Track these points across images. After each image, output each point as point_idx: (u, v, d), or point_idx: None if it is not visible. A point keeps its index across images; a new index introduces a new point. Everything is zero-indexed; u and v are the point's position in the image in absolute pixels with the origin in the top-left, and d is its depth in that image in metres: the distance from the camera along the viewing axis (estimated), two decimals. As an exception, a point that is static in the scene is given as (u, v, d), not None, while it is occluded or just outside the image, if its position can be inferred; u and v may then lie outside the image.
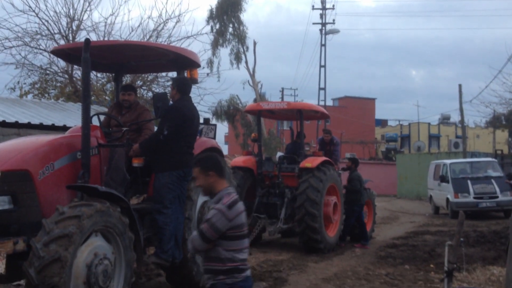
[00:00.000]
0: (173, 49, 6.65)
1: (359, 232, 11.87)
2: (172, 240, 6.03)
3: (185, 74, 6.78)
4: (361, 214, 11.85)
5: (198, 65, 6.93)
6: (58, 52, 6.57)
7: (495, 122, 39.76)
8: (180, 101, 6.31)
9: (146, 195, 6.36)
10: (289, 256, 10.33)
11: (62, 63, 17.54)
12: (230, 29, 29.34)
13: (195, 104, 16.82)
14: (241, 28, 29.19)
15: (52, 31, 16.93)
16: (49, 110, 12.72)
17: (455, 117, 52.36)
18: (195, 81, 6.93)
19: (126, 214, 5.22)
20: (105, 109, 11.34)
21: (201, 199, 6.69)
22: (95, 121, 6.45)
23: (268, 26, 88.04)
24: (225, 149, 53.28)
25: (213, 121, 30.17)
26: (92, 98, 16.99)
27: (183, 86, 6.42)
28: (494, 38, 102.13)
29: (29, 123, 10.61)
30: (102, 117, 6.77)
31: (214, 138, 7.28)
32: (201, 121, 7.09)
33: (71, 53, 6.30)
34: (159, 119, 6.31)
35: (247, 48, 29.61)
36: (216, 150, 7.03)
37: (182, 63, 6.75)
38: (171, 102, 6.30)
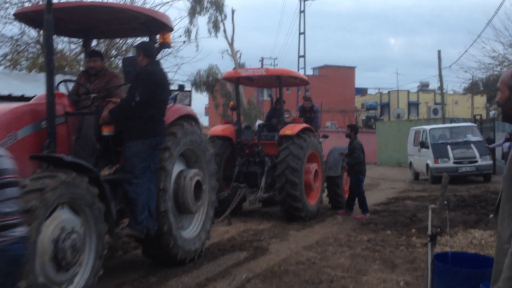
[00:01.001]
0: (144, 11, 6.29)
1: (352, 202, 11.56)
2: (146, 211, 5.80)
3: (158, 38, 6.45)
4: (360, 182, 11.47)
5: (171, 29, 6.59)
6: (21, 16, 6.16)
7: (473, 88, 39.94)
8: (150, 66, 6.02)
9: (118, 165, 6.08)
10: (270, 225, 10.21)
11: (33, 32, 16.97)
12: (207, -3, 28.68)
13: (173, 73, 16.39)
14: (218, -5, 28.55)
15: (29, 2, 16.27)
16: (20, 81, 12.28)
17: (434, 84, 52.58)
18: (167, 46, 6.60)
19: (95, 185, 4.97)
20: (77, 79, 10.91)
21: (177, 169, 6.45)
22: (63, 90, 6.13)
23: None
24: (205, 120, 52.96)
25: (193, 92, 29.76)
26: (66, 68, 16.49)
27: (149, 49, 6.12)
28: (473, 4, 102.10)
29: (23, 95, 10.18)
30: (71, 86, 6.45)
31: (190, 105, 7.01)
32: (176, 87, 6.80)
33: (35, 16, 5.91)
34: (128, 85, 6.00)
35: (225, 16, 29.07)
36: (192, 118, 6.77)
37: (154, 26, 6.41)
38: None
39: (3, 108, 5.08)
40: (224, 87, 28.00)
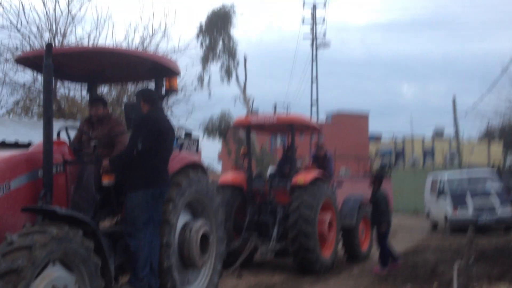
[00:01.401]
0: (149, 57, 6.10)
1: (380, 254, 10.82)
2: (147, 266, 5.40)
3: (164, 83, 6.21)
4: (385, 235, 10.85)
5: (177, 73, 6.37)
6: (23, 61, 5.97)
7: (489, 135, 39.44)
8: (152, 112, 5.75)
9: (119, 217, 5.73)
10: (283, 278, 9.73)
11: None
12: (220, 45, 28.86)
13: (184, 120, 16.16)
14: (231, 43, 28.72)
15: (34, 47, 16.35)
16: (28, 128, 12.13)
17: (448, 130, 52.15)
18: (174, 90, 6.36)
19: (91, 238, 4.60)
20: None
21: (182, 220, 6.08)
22: (65, 138, 5.85)
23: (259, 44, 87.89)
24: (218, 167, 52.64)
25: (205, 138, 29.58)
26: (77, 115, 16.40)
27: (149, 96, 5.88)
28: (484, 52, 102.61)
29: (3, 141, 9.98)
30: (73, 134, 6.19)
31: (197, 152, 6.70)
32: (182, 134, 6.52)
33: (37, 61, 5.70)
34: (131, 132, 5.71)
35: (238, 63, 29.14)
36: (198, 166, 6.44)
37: (160, 71, 6.19)
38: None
39: (-5, 156, 4.80)
40: (236, 133, 27.80)
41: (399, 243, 15.86)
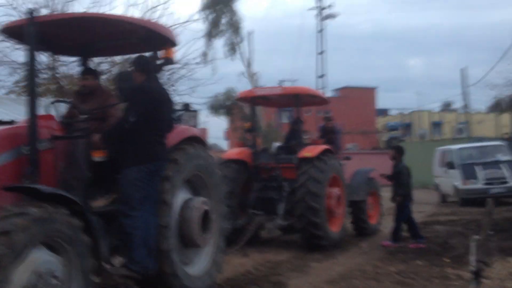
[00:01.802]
0: (143, 23, 5.69)
1: (410, 230, 10.45)
2: (144, 248, 5.07)
3: (160, 54, 5.84)
4: (410, 209, 10.46)
5: (174, 44, 5.98)
6: (8, 31, 5.59)
7: (498, 107, 38.87)
8: (148, 82, 5.38)
9: (115, 195, 5.40)
10: (290, 256, 9.43)
11: (45, 58, 16.59)
12: (224, 20, 28.35)
13: (186, 97, 15.72)
14: (235, 18, 28.20)
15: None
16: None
17: (456, 104, 51.53)
18: (171, 62, 5.98)
19: (80, 217, 4.28)
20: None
21: (181, 197, 5.74)
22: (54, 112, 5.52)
23: (264, 20, 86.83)
24: (225, 145, 52.41)
25: (210, 116, 29.25)
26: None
27: (145, 64, 5.48)
28: (493, 22, 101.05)
29: (12, 121, 9.66)
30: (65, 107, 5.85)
31: (196, 126, 6.35)
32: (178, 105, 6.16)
33: (23, 31, 5.34)
34: (124, 103, 5.36)
35: (242, 39, 28.67)
36: (198, 140, 6.09)
37: (156, 41, 5.79)
38: None
39: (-22, 133, 4.48)
40: (242, 110, 27.46)
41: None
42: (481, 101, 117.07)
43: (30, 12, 4.47)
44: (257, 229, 10.31)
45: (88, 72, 5.88)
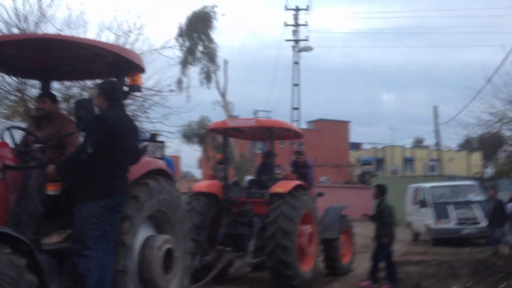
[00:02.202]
0: (111, 48, 5.35)
1: (388, 271, 10.05)
2: (98, 291, 4.65)
3: (127, 81, 5.51)
4: (391, 249, 10.09)
5: (142, 70, 5.66)
6: None
7: (469, 145, 39.33)
8: (109, 110, 5.01)
9: (70, 231, 4.96)
10: (258, 295, 9.05)
11: (13, 80, 16.08)
12: (200, 48, 28.19)
13: (158, 124, 15.27)
14: (211, 46, 28.06)
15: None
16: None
17: (429, 141, 52.07)
18: (138, 89, 5.66)
19: (27, 255, 3.84)
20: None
21: (141, 236, 5.31)
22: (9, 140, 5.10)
23: (241, 51, 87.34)
24: (198, 174, 51.81)
25: (183, 144, 28.80)
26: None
27: (111, 90, 5.11)
28: (465, 62, 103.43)
29: None
30: (21, 135, 5.44)
31: (162, 158, 5.96)
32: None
33: None
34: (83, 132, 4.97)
35: (218, 67, 28.48)
36: (162, 173, 5.71)
37: (123, 66, 5.48)
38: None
39: None
40: (215, 139, 27.13)
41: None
42: (452, 138, 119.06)
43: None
44: (226, 266, 9.89)
45: (46, 95, 5.50)
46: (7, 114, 17.47)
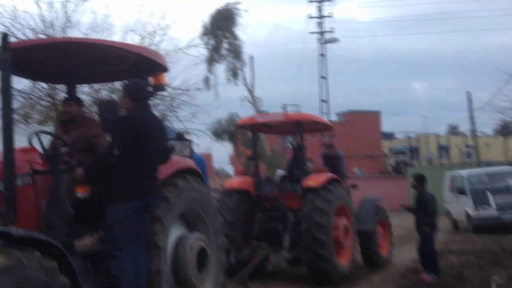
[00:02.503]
0: (134, 49, 5.32)
1: (429, 262, 9.62)
2: (132, 292, 4.62)
3: (151, 81, 5.47)
4: (434, 240, 9.79)
5: (166, 69, 5.62)
6: None
7: (505, 130, 38.42)
8: (134, 111, 4.98)
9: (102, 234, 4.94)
10: (296, 290, 8.96)
11: (46, 86, 16.30)
12: (225, 45, 28.18)
13: (187, 122, 15.28)
14: (236, 43, 28.01)
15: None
16: (22, 135, 11.40)
17: (463, 127, 51.07)
18: (162, 88, 5.62)
19: (59, 259, 3.83)
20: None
21: (173, 235, 5.26)
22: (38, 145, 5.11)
23: (267, 45, 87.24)
24: (230, 170, 51.95)
25: (214, 142, 28.84)
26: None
27: (136, 91, 5.07)
28: (495, 45, 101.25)
29: None
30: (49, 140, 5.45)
31: (190, 157, 5.90)
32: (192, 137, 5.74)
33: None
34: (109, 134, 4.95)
35: (244, 63, 28.44)
36: (193, 172, 5.65)
37: (146, 67, 5.43)
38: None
39: None
40: (245, 135, 27.08)
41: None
42: (487, 124, 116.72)
43: (4, 37, 4.09)
44: (262, 261, 9.84)
45: (71, 99, 5.50)
46: (40, 120, 17.84)
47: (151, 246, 4.87)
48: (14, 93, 16.16)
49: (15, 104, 16.88)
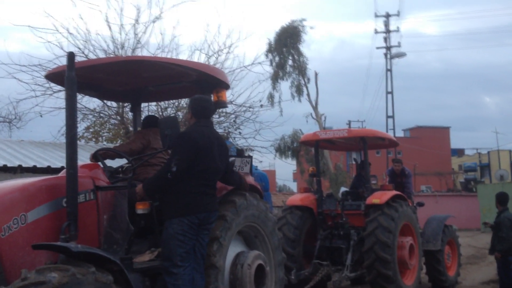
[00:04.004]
0: (196, 67, 5.39)
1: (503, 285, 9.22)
2: (188, 308, 4.61)
3: (212, 97, 5.52)
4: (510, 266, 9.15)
5: (227, 86, 5.65)
6: (52, 77, 5.43)
7: None
8: (193, 127, 5.00)
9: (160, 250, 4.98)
10: (359, 311, 8.73)
11: (114, 104, 16.85)
12: (290, 62, 28.22)
13: (250, 139, 15.28)
14: (301, 59, 27.98)
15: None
16: (89, 152, 11.84)
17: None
18: (223, 105, 5.64)
19: (117, 275, 3.88)
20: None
21: (232, 251, 5.24)
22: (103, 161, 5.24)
23: (332, 61, 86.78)
24: (293, 187, 51.77)
25: (277, 158, 28.81)
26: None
27: (199, 107, 5.08)
28: None
29: (48, 166, 9.62)
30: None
31: (251, 173, 5.88)
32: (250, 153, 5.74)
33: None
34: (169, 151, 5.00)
35: (308, 80, 28.32)
36: (254, 189, 5.63)
37: (207, 84, 5.50)
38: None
39: (13, 184, 4.23)
40: (309, 151, 26.90)
41: (489, 266, 14.36)
42: None
43: (70, 56, 4.23)
44: (324, 280, 9.66)
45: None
46: (109, 137, 18.42)
47: (208, 266, 4.86)
48: (86, 112, 16.93)
49: (87, 123, 17.64)
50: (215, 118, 16.12)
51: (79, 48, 15.80)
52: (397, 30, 34.75)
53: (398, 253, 9.10)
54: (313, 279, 9.08)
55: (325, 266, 9.34)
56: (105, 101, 15.96)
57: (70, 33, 15.27)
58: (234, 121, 16.62)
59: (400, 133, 49.41)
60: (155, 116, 6.14)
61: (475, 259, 16.08)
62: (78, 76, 4.62)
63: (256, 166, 12.93)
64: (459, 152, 56.86)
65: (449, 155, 51.66)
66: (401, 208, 9.35)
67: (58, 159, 10.53)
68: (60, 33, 15.25)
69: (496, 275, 12.27)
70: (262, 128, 16.39)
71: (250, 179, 5.67)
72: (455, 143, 55.93)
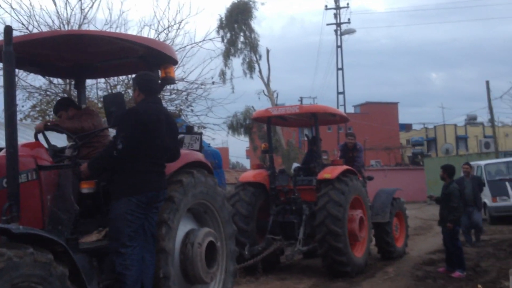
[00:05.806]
0: (143, 41, 5.23)
1: (455, 258, 9.34)
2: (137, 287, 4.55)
3: (160, 73, 5.39)
4: (457, 235, 9.49)
5: (175, 62, 5.52)
6: None
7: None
8: (140, 104, 4.85)
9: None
10: (311, 283, 8.89)
11: (61, 82, 16.33)
12: (242, 38, 28.05)
13: (202, 117, 15.13)
14: (252, 36, 27.86)
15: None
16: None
17: (482, 117, 50.30)
18: (171, 81, 5.53)
19: (63, 256, 3.77)
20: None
21: (182, 230, 5.17)
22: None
23: (282, 38, 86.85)
24: (247, 164, 51.86)
25: (229, 135, 28.76)
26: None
27: (145, 82, 4.93)
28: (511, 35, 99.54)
29: None
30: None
31: (200, 150, 5.81)
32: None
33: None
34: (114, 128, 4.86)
35: (260, 56, 28.26)
36: (202, 166, 5.57)
37: (155, 59, 5.36)
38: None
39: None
40: (261, 128, 26.96)
41: (436, 237, 14.86)
42: (507, 113, 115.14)
43: (7, 30, 4.02)
44: (277, 254, 9.77)
45: (63, 105, 5.51)
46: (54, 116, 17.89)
47: (158, 250, 4.76)
48: (32, 90, 16.34)
49: (33, 101, 17.03)
50: (167, 95, 15.87)
51: (23, 24, 15.18)
52: (347, 7, 35.02)
53: (348, 226, 9.28)
54: (265, 252, 9.17)
55: (278, 241, 9.46)
56: (50, 78, 15.47)
57: (13, 8, 14.64)
58: (186, 98, 16.41)
59: (350, 109, 50.14)
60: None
61: (422, 230, 16.59)
62: (18, 52, 4.40)
63: (209, 144, 12.86)
64: (407, 127, 58.16)
65: (397, 130, 52.74)
66: (351, 182, 9.50)
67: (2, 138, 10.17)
68: (2, 8, 14.64)
69: (442, 245, 12.75)
70: (214, 105, 16.26)
71: (197, 156, 5.58)
72: (403, 119, 57.04)
